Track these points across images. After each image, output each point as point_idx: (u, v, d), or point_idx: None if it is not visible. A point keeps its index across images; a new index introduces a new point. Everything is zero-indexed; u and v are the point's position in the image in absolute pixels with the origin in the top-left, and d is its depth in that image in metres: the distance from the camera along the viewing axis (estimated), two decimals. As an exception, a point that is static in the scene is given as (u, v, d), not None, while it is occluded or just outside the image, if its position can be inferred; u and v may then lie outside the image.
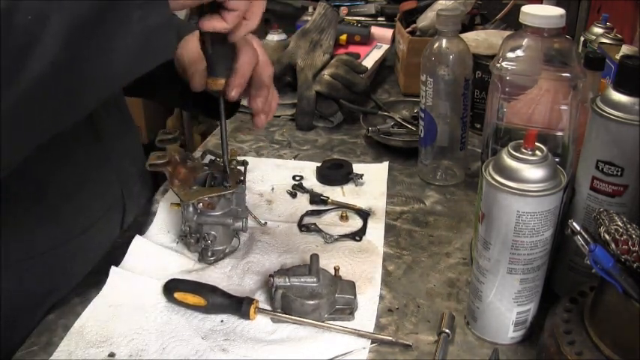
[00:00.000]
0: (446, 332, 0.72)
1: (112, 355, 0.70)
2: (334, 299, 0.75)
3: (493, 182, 0.63)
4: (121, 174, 0.90)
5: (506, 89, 0.76)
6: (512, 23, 1.47)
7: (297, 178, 1.06)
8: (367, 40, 1.55)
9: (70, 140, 0.77)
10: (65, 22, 0.51)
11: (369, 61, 1.43)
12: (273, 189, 1.03)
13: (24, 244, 0.75)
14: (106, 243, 0.87)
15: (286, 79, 1.31)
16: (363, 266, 0.84)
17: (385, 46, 1.55)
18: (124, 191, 0.90)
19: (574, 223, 0.59)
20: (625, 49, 1.06)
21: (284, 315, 0.75)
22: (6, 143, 0.54)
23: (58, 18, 0.51)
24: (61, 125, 0.58)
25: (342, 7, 1.80)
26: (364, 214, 0.96)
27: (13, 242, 0.73)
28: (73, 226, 0.80)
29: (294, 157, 1.15)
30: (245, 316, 0.74)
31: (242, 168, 0.88)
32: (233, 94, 0.73)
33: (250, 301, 0.75)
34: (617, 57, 0.99)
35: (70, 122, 0.59)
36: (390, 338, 0.71)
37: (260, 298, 0.77)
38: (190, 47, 0.79)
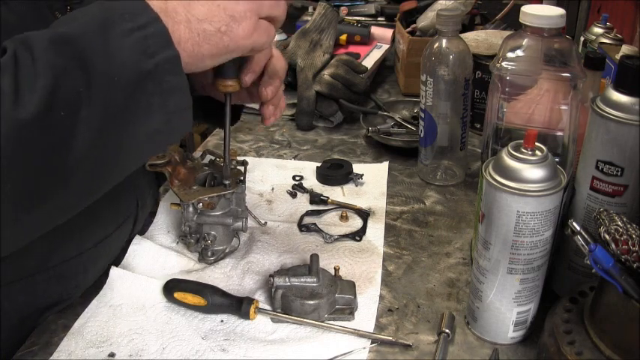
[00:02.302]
0: (446, 332, 0.72)
1: (112, 355, 0.70)
2: (334, 299, 0.75)
3: (493, 182, 0.63)
4: (136, 185, 0.89)
5: (506, 89, 0.76)
6: (512, 23, 1.47)
7: (297, 178, 1.06)
8: (367, 40, 1.55)
9: None
10: (94, 116, 0.53)
11: (369, 61, 1.43)
12: (273, 189, 1.03)
13: (38, 257, 0.73)
14: (115, 252, 0.85)
15: (286, 79, 1.31)
16: (363, 266, 0.84)
17: (385, 46, 1.55)
18: (139, 202, 0.90)
19: (574, 223, 0.59)
20: (625, 49, 1.06)
21: (284, 315, 0.75)
22: (36, 227, 0.58)
23: (87, 113, 0.52)
24: (85, 203, 0.61)
25: (342, 7, 1.80)
26: (364, 214, 0.96)
27: (27, 256, 0.72)
28: (88, 238, 0.79)
29: (294, 157, 1.15)
30: (245, 316, 0.74)
31: (242, 168, 0.89)
32: (247, 78, 0.72)
33: (250, 301, 0.75)
34: (617, 57, 0.99)
35: (93, 199, 0.61)
36: (390, 338, 0.71)
37: (260, 298, 0.77)
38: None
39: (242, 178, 0.85)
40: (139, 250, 0.85)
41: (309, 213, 0.96)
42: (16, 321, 0.73)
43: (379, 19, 1.79)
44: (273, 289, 0.76)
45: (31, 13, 0.66)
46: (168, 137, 0.61)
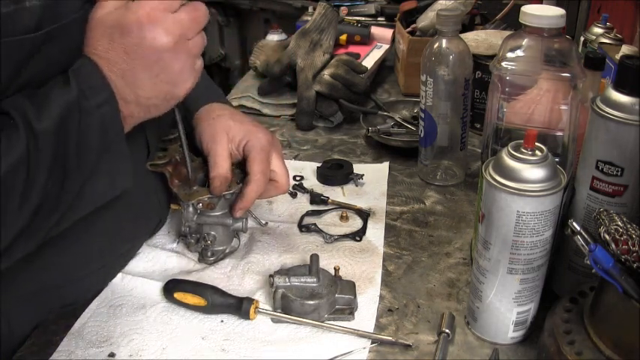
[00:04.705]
0: (446, 332, 0.72)
1: (112, 355, 0.70)
2: (334, 299, 0.75)
3: (493, 182, 0.63)
4: (161, 203, 0.89)
5: (506, 89, 0.76)
6: (512, 23, 1.46)
7: (298, 178, 1.06)
8: (367, 40, 1.55)
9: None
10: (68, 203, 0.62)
11: (369, 61, 1.43)
12: (273, 189, 1.03)
13: (63, 271, 0.74)
14: (130, 260, 0.86)
15: (286, 79, 1.31)
16: (363, 266, 0.84)
17: (385, 46, 1.54)
18: (162, 219, 0.91)
19: (574, 223, 0.59)
20: (625, 49, 1.05)
21: (284, 315, 0.75)
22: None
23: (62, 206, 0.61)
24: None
25: (342, 7, 1.79)
26: (364, 214, 0.96)
27: (52, 270, 0.72)
28: (113, 253, 0.80)
29: (294, 157, 1.15)
30: (245, 316, 0.74)
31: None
32: (238, 215, 0.82)
33: (250, 301, 0.75)
34: (617, 57, 0.99)
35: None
36: (390, 338, 0.71)
37: (260, 298, 0.77)
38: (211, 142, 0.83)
39: (242, 178, 0.85)
40: (140, 250, 0.85)
41: (309, 213, 0.96)
42: (27, 330, 0.73)
43: (379, 19, 1.79)
44: (273, 289, 0.76)
45: None
46: (113, 194, 0.67)
